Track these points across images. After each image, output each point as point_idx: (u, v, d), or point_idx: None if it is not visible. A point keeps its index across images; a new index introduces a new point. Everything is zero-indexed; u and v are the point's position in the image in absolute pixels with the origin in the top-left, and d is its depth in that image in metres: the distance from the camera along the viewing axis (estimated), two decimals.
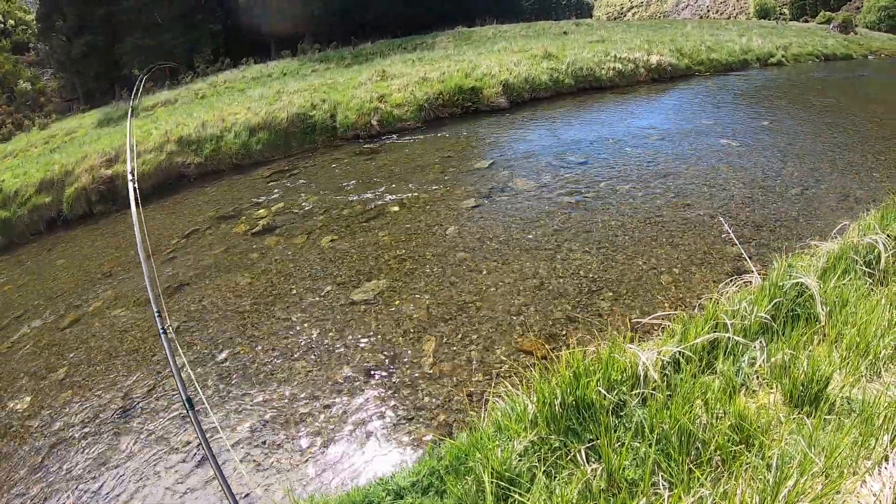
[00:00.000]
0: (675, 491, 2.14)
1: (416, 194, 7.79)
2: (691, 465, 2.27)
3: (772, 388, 2.77)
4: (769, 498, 1.95)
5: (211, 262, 6.66)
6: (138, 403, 4.41)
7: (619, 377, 2.83)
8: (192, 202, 9.42)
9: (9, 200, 10.30)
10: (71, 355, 5.32)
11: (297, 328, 5.00)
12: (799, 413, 2.54)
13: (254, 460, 3.63)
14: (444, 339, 4.54)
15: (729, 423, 2.43)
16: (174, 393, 4.41)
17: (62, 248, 8.71)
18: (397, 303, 5.15)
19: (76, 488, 3.71)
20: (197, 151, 11.13)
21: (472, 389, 3.93)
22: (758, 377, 2.86)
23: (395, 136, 11.58)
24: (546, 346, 4.25)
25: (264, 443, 3.76)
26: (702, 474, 2.20)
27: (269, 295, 5.64)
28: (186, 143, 11.24)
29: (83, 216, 10.01)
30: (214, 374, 4.55)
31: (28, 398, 4.82)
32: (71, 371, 5.06)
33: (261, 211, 8.09)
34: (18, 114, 20.89)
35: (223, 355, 4.78)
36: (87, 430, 4.25)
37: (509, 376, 3.85)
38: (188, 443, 3.88)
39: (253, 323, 5.19)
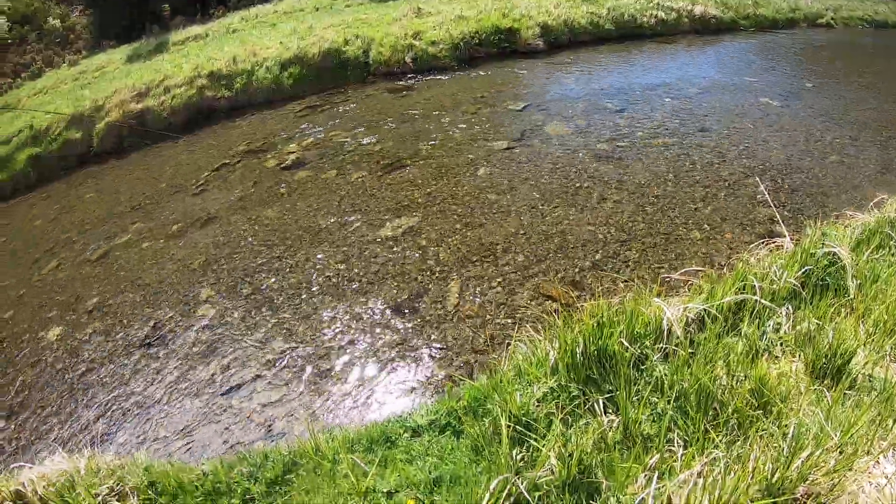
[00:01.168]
0: (690, 450, 2.16)
1: (448, 133, 7.69)
2: (707, 426, 2.28)
3: (794, 357, 2.75)
4: (782, 467, 1.95)
5: (240, 195, 6.72)
6: (166, 332, 4.56)
7: (643, 330, 2.83)
8: (222, 136, 9.42)
9: (40, 136, 10.40)
10: (100, 287, 5.49)
11: (325, 262, 5.07)
12: (820, 385, 2.53)
13: (275, 391, 3.76)
14: (470, 280, 4.58)
15: (749, 387, 2.43)
16: (200, 320, 4.55)
17: (93, 182, 8.83)
18: (424, 242, 5.17)
19: (103, 414, 3.91)
20: (228, 86, 11.03)
21: (494, 332, 3.99)
22: (781, 344, 2.84)
23: (429, 75, 11.36)
24: (571, 293, 4.26)
25: (286, 374, 3.88)
26: (717, 436, 2.22)
27: (298, 229, 5.69)
28: (217, 78, 11.14)
29: (113, 150, 10.08)
30: (241, 306, 4.67)
31: (58, 328, 5.01)
32: (101, 302, 5.23)
33: (291, 146, 8.07)
34: (48, 51, 20.69)
35: (249, 288, 4.88)
36: (115, 357, 4.44)
37: (532, 321, 3.88)
38: (213, 370, 4.03)
39: (280, 256, 5.28)
